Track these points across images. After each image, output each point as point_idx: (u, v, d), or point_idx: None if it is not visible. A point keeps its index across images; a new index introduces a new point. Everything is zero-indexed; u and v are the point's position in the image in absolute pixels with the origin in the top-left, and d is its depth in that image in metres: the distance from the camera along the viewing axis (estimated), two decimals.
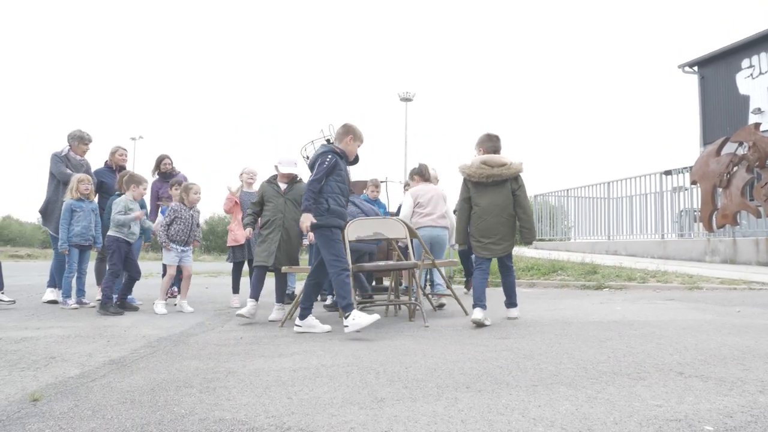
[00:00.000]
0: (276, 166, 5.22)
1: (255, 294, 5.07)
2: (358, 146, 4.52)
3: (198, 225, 6.07)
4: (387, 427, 1.97)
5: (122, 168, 6.85)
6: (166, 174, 7.07)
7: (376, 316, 4.09)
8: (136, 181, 5.96)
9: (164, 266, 6.25)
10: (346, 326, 4.08)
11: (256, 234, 5.45)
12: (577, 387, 2.44)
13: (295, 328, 4.38)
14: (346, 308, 4.13)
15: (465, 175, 4.83)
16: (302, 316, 4.39)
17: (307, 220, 4.20)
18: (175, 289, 7.19)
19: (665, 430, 1.87)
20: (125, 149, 7.07)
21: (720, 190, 9.40)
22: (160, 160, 7.12)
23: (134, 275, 5.83)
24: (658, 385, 2.44)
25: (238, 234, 6.29)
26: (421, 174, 6.31)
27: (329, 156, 4.32)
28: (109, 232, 5.75)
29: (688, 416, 2.01)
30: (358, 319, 4.04)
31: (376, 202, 6.92)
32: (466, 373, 2.76)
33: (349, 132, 4.46)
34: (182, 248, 5.85)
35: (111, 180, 6.64)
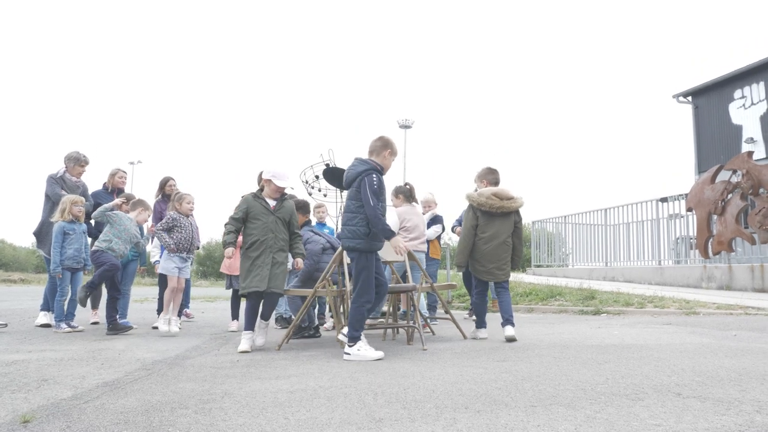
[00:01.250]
0: (269, 180, 4.71)
1: (251, 325, 4.63)
2: (393, 160, 4.36)
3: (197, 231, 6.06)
4: None
5: (120, 191, 6.87)
6: (170, 196, 7.07)
7: (381, 354, 4.02)
8: (144, 205, 6.03)
9: (160, 278, 6.16)
10: (348, 354, 4.02)
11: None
12: (575, 408, 2.43)
13: (346, 357, 4.09)
14: (354, 339, 4.06)
15: (476, 204, 5.15)
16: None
17: (400, 242, 4.14)
18: (188, 310, 7.15)
19: None
20: (125, 172, 7.09)
21: (715, 217, 9.46)
22: (165, 182, 7.13)
23: (114, 294, 5.75)
24: (656, 406, 2.43)
25: (235, 262, 6.18)
26: (408, 195, 6.21)
27: (374, 175, 4.13)
28: (93, 249, 5.72)
29: None
30: (363, 351, 4.00)
31: None
32: (464, 394, 2.74)
33: (387, 146, 4.28)
34: (186, 256, 5.79)
35: (108, 202, 6.64)
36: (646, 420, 2.21)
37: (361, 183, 4.10)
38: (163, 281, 6.33)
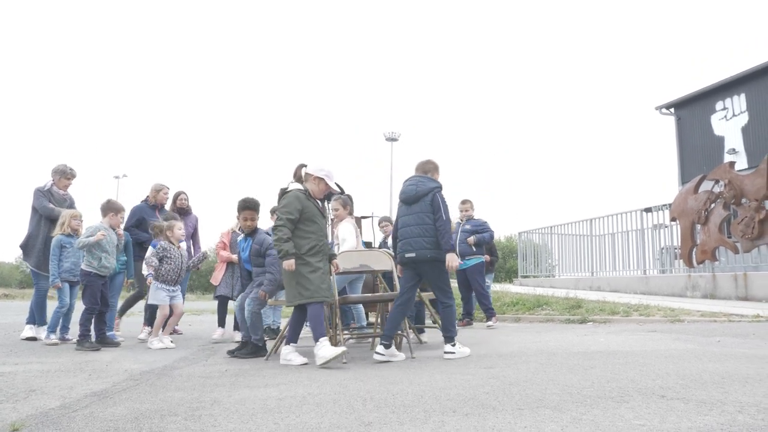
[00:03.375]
0: (320, 178, 4.37)
1: (295, 338, 4.40)
2: None
3: (187, 261, 5.96)
4: None
5: (163, 207, 6.84)
6: (181, 210, 6.99)
7: (467, 350, 4.42)
8: (114, 209, 5.84)
9: (146, 306, 6.15)
10: (452, 353, 4.34)
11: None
12: (562, 410, 2.47)
13: (377, 356, 4.31)
14: (450, 339, 4.41)
15: None
16: (387, 345, 4.34)
17: (455, 258, 4.49)
18: (176, 327, 7.07)
19: None
20: (168, 188, 6.96)
21: (699, 226, 9.61)
22: (176, 196, 7.07)
23: (102, 308, 5.66)
24: (641, 407, 2.47)
25: (220, 273, 6.54)
26: (352, 207, 6.16)
27: (442, 192, 4.52)
28: (82, 266, 5.62)
29: None
30: (463, 348, 4.42)
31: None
32: (452, 398, 2.77)
33: (437, 168, 4.70)
34: (172, 288, 5.69)
35: (152, 217, 6.57)
36: (631, 420, 2.25)
37: (434, 198, 4.45)
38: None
